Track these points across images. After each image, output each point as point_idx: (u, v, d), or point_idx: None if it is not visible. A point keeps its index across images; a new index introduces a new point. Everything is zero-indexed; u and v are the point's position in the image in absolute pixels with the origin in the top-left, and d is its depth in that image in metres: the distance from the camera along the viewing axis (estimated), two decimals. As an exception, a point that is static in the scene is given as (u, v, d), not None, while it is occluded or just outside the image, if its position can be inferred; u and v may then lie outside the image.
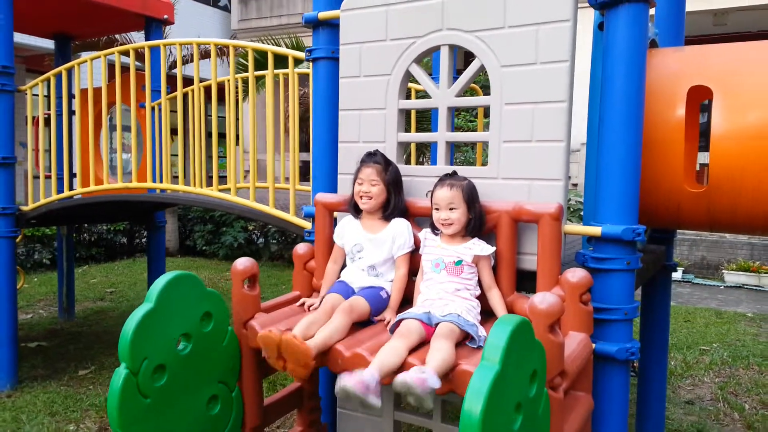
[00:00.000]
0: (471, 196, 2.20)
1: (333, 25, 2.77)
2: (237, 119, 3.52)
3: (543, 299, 1.72)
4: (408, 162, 4.06)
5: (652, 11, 3.00)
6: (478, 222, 2.21)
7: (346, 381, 1.77)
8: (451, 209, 2.18)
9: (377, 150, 2.43)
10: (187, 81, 4.01)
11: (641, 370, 3.48)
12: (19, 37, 9.17)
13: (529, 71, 2.25)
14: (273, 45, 7.74)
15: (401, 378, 1.72)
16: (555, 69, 2.20)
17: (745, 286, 8.92)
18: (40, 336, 5.71)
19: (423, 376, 1.72)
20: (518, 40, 2.26)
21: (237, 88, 3.79)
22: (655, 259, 2.94)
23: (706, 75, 2.41)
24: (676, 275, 9.39)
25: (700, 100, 2.54)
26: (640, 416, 3.51)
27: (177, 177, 3.90)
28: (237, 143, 3.52)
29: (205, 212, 10.46)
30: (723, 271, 9.30)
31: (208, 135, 3.93)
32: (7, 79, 4.29)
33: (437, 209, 2.22)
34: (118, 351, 1.85)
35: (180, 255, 10.73)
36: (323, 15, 2.76)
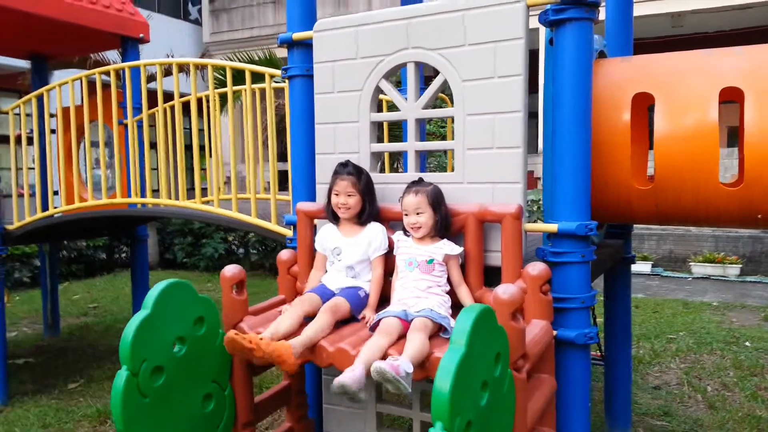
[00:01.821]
0: (436, 200, 2.40)
1: (307, 45, 2.95)
2: (205, 132, 3.68)
3: (505, 290, 1.93)
4: (383, 169, 4.26)
5: (601, 17, 3.26)
6: (444, 223, 2.41)
7: (344, 379, 1.96)
8: (418, 214, 2.39)
9: (348, 161, 2.62)
10: (169, 95, 4.16)
11: (607, 358, 3.72)
12: (-6, 58, 9.23)
13: (488, 85, 2.47)
14: (246, 59, 7.91)
15: (376, 365, 1.92)
16: (510, 82, 2.42)
17: (711, 277, 9.28)
18: (27, 353, 5.78)
19: (396, 363, 1.92)
20: (477, 56, 2.48)
21: (208, 101, 3.94)
22: (612, 253, 3.18)
23: (649, 82, 2.65)
24: (646, 269, 9.74)
25: (646, 105, 2.78)
26: (608, 401, 3.75)
27: (157, 190, 4.04)
28: (210, 155, 3.69)
29: (184, 225, 10.54)
30: (690, 263, 9.66)
31: (188, 148, 4.08)
32: (-11, 101, 4.39)
33: (406, 215, 2.42)
34: (119, 354, 2.00)
35: (161, 268, 10.78)
36: (297, 36, 2.95)
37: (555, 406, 2.32)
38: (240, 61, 7.84)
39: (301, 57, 3.00)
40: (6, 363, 4.62)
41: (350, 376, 1.95)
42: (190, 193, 4.31)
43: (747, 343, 5.60)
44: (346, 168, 2.57)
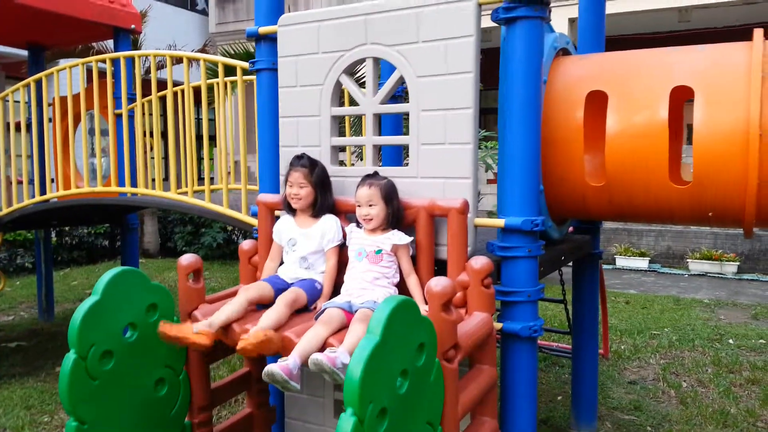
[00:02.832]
0: (389, 194, 2.46)
1: (273, 39, 3.00)
2: (188, 123, 3.75)
3: (438, 282, 1.98)
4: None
5: (574, 14, 3.27)
6: (396, 216, 2.46)
7: (273, 367, 2.04)
8: (370, 206, 2.44)
9: (304, 153, 2.68)
10: (163, 85, 4.21)
11: (574, 353, 3.76)
12: (-2, 46, 9.36)
13: (441, 81, 2.51)
14: (242, 51, 7.97)
15: (313, 357, 1.98)
16: (462, 79, 2.46)
17: (708, 274, 9.25)
18: (21, 336, 5.92)
19: (333, 355, 1.98)
20: (430, 53, 2.52)
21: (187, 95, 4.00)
22: (573, 248, 3.21)
23: (603, 80, 2.68)
24: (643, 265, 9.72)
25: (602, 103, 2.80)
26: (575, 395, 3.79)
27: (154, 180, 4.12)
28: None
29: (184, 214, 10.65)
30: (687, 260, 9.63)
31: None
32: (-21, 90, 4.49)
33: (359, 206, 2.48)
34: (68, 338, 2.08)
35: (161, 256, 10.93)
36: (263, 30, 3.00)
37: (496, 397, 2.37)
38: (234, 54, 7.91)
39: (267, 50, 3.05)
40: (-5, 346, 4.75)
41: (282, 366, 2.01)
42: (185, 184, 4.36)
43: (730, 341, 5.60)
44: (300, 160, 2.63)
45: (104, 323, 2.17)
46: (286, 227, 2.67)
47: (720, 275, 9.18)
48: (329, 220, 2.60)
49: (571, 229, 3.52)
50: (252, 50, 8.76)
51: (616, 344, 5.48)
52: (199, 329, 2.23)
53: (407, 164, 2.71)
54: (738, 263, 9.30)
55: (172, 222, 11.11)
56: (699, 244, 9.85)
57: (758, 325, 6.24)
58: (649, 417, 3.96)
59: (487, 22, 2.46)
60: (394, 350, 1.70)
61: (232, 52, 8.16)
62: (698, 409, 4.03)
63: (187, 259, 2.53)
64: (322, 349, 2.13)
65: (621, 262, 9.87)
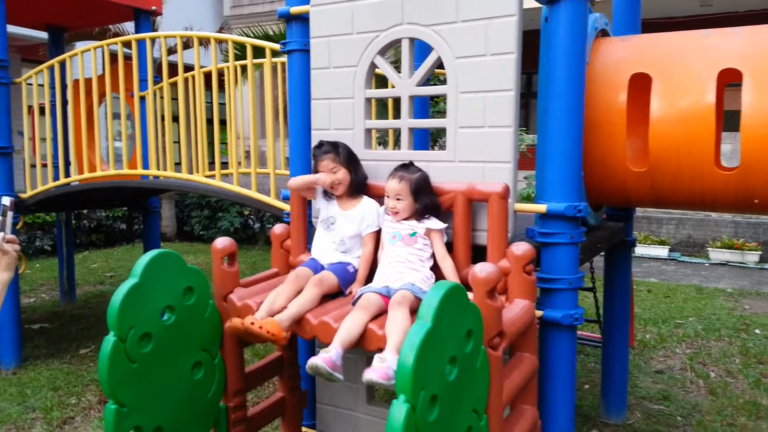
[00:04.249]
0: (419, 189, 2.40)
1: (305, 19, 2.95)
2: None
3: (482, 269, 1.93)
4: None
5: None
6: (427, 210, 2.41)
7: (316, 360, 2.01)
8: (398, 199, 2.40)
9: (320, 141, 2.66)
10: (186, 68, 4.17)
11: (604, 342, 3.71)
12: (14, 28, 9.34)
13: (481, 62, 2.45)
14: (261, 33, 7.90)
15: (368, 375, 1.89)
16: (503, 60, 2.40)
17: (729, 263, 9.13)
18: (43, 318, 5.96)
19: (382, 366, 1.90)
20: (470, 33, 2.45)
21: (222, 75, 3.96)
22: (608, 235, 3.15)
23: (647, 63, 2.61)
24: (663, 253, 9.61)
25: (645, 85, 2.73)
26: (605, 384, 3.74)
27: (179, 164, 4.09)
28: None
29: (201, 198, 10.65)
30: (708, 248, 9.51)
31: (208, 122, 4.10)
32: (3, 72, 4.47)
33: (388, 197, 2.44)
34: (107, 320, 2.06)
35: (178, 240, 10.96)
36: (295, 10, 2.95)
37: (537, 385, 2.33)
38: (253, 36, 7.85)
39: (299, 31, 2.99)
40: (20, 327, 4.77)
41: (325, 359, 1.98)
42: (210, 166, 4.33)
43: (757, 331, 5.53)
44: (322, 147, 2.59)
45: (143, 306, 2.14)
46: (327, 205, 2.63)
47: (741, 264, 9.06)
48: (370, 205, 2.56)
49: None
50: (270, 32, 8.72)
51: (640, 333, 5.42)
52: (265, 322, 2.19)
53: (433, 149, 2.66)
54: (760, 252, 9.16)
55: (189, 206, 11.12)
56: (720, 232, 9.72)
57: (784, 315, 6.16)
58: (679, 407, 3.92)
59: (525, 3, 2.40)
60: (444, 337, 1.66)
61: (251, 34, 8.10)
62: (729, 400, 3.98)
63: (223, 242, 2.50)
64: (362, 335, 2.10)
65: (640, 250, 9.76)
